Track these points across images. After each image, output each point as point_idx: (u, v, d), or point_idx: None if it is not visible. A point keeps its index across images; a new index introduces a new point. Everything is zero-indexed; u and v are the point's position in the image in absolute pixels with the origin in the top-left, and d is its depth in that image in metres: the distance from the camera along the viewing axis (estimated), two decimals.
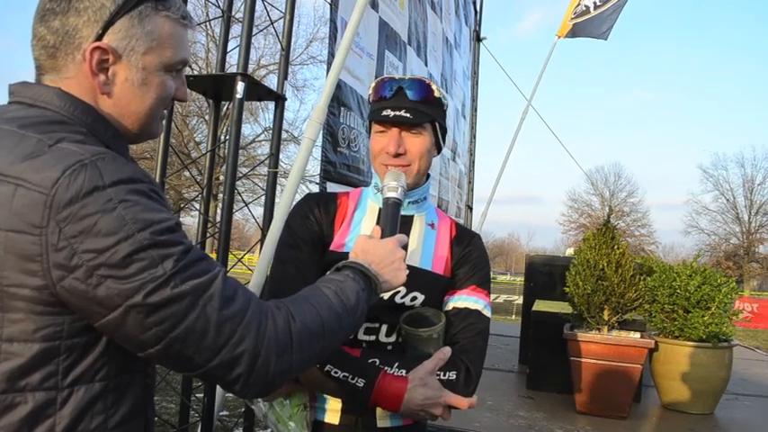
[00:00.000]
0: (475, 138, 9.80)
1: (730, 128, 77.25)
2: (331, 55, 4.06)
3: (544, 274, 6.35)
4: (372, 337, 1.60)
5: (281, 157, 4.14)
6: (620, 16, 8.93)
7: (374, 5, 4.89)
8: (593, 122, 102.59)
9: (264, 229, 3.71)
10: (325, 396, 1.60)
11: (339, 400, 1.59)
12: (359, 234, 1.62)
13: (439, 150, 1.71)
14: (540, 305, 5.75)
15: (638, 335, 4.76)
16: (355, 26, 3.56)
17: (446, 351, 1.54)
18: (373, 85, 1.66)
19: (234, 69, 3.71)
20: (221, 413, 5.18)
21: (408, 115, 1.56)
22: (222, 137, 7.19)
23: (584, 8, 8.70)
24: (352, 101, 4.51)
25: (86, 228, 0.91)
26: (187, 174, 17.74)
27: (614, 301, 4.65)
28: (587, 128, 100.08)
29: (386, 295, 1.56)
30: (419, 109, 1.58)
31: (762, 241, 40.02)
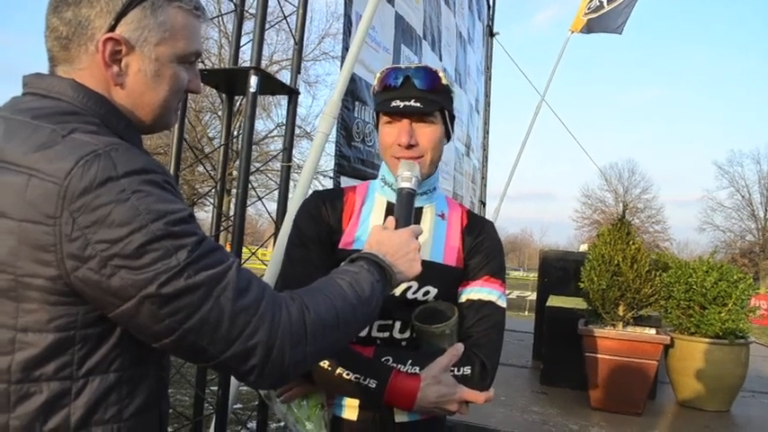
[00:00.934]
0: (488, 133, 9.75)
1: (746, 124, 76.49)
2: (345, 49, 4.04)
3: (558, 270, 6.31)
4: (386, 334, 1.58)
5: (293, 153, 4.14)
6: (635, 11, 8.85)
7: (390, 0, 4.88)
8: (607, 119, 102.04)
9: (278, 223, 3.71)
10: None
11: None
12: (368, 229, 1.60)
13: (449, 138, 1.68)
14: (554, 301, 5.72)
15: (653, 331, 4.72)
16: (369, 19, 3.54)
17: (459, 347, 1.52)
18: (378, 75, 1.63)
19: (247, 65, 3.71)
20: (235, 406, 5.20)
21: (418, 105, 1.54)
22: (235, 132, 7.21)
23: (597, 3, 8.63)
24: (366, 95, 4.49)
25: (100, 218, 0.91)
26: (201, 169, 17.83)
27: (629, 297, 4.62)
28: (601, 124, 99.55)
29: (398, 291, 1.55)
30: (428, 97, 1.55)
31: None
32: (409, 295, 1.57)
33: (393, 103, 1.55)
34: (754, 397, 5.40)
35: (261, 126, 22.06)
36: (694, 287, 4.91)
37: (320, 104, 22.48)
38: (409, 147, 1.56)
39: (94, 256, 0.91)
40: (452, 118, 1.67)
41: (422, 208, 1.65)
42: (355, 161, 4.38)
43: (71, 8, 1.04)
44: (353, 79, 4.09)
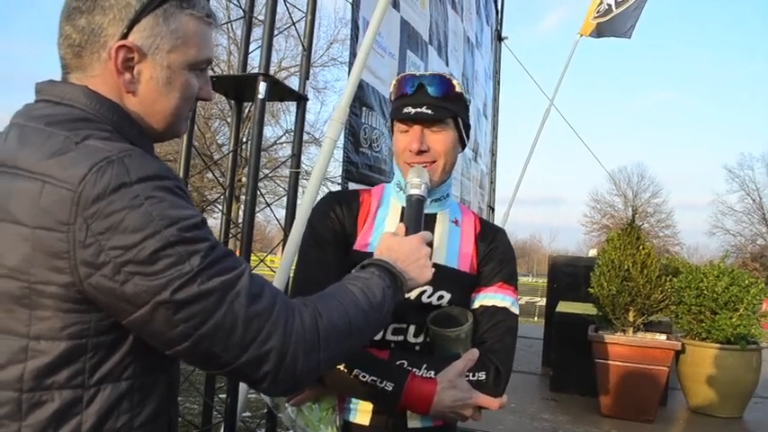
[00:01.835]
0: (497, 138, 9.75)
1: (757, 127, 76.09)
2: (352, 55, 4.05)
3: (567, 275, 6.30)
4: (400, 338, 1.58)
5: (302, 159, 4.14)
6: (644, 15, 8.84)
7: (396, 5, 4.88)
8: (616, 123, 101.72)
9: (286, 229, 3.71)
10: None
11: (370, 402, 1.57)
12: (383, 232, 1.61)
13: (463, 146, 1.69)
14: (564, 306, 5.70)
15: (664, 336, 4.70)
16: (377, 25, 3.55)
17: (474, 352, 1.52)
18: (394, 82, 1.64)
19: (255, 71, 3.72)
20: (244, 414, 5.19)
21: (429, 111, 1.54)
22: (244, 138, 7.22)
23: (606, 6, 8.62)
24: (373, 101, 4.50)
25: (113, 224, 0.91)
26: (210, 175, 17.88)
27: (640, 303, 4.60)
28: (610, 128, 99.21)
29: (412, 295, 1.55)
30: (440, 105, 1.56)
31: None
32: (424, 299, 1.57)
33: (405, 110, 1.56)
34: (767, 403, 5.36)
35: (270, 132, 22.14)
36: (705, 292, 4.89)
37: (329, 110, 22.51)
38: (420, 153, 1.56)
39: (108, 262, 0.91)
40: (467, 126, 1.67)
41: (435, 214, 1.66)
42: (363, 167, 4.38)
43: (84, 16, 1.05)
44: (361, 86, 4.10)
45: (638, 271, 4.61)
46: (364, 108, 4.36)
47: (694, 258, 40.60)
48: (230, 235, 4.36)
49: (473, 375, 1.51)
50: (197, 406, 5.64)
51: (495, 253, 1.66)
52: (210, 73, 1.25)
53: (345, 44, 19.71)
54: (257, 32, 4.64)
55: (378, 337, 1.56)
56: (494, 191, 9.66)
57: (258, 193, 3.73)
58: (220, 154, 19.00)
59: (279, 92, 3.92)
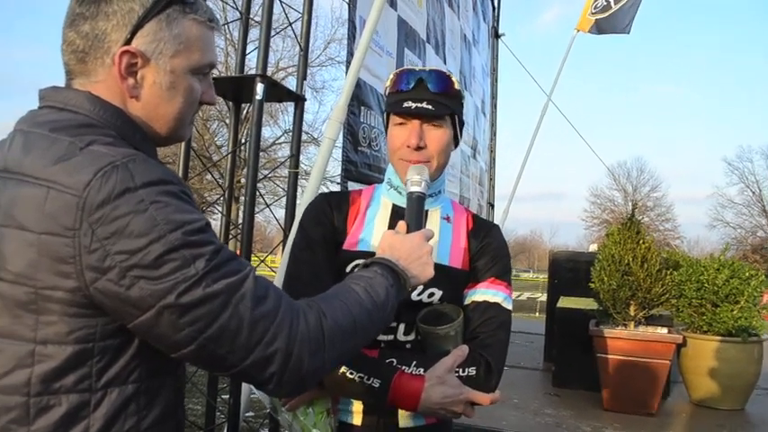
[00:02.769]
0: (495, 135, 9.75)
1: (755, 119, 76.05)
2: (350, 54, 4.05)
3: (568, 271, 6.30)
4: (390, 337, 1.57)
5: (301, 158, 4.15)
6: (641, 7, 8.84)
7: (393, 4, 4.89)
8: (615, 117, 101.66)
9: (286, 230, 3.72)
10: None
11: (361, 402, 1.57)
12: (372, 231, 1.61)
13: (456, 144, 1.68)
14: (565, 302, 5.70)
15: (665, 330, 4.71)
16: (374, 24, 3.55)
17: (464, 349, 1.51)
18: (392, 76, 1.63)
19: (253, 72, 3.73)
20: (247, 414, 5.19)
21: (430, 107, 1.53)
22: (243, 139, 7.21)
23: (604, 2, 8.62)
24: (372, 100, 4.51)
25: (119, 229, 0.91)
26: (209, 177, 17.88)
27: (640, 297, 4.61)
28: (609, 122, 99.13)
29: None
30: (440, 101, 1.55)
31: None
32: (414, 297, 1.55)
33: (405, 104, 1.54)
34: None
35: (268, 133, 22.10)
36: (706, 285, 4.89)
37: (327, 110, 22.45)
38: (418, 149, 1.55)
39: (114, 267, 0.92)
40: (462, 124, 1.67)
41: (427, 211, 1.64)
42: (362, 166, 4.39)
43: (88, 22, 1.06)
44: (359, 84, 4.11)
45: (639, 265, 4.62)
46: (363, 107, 4.37)
47: (695, 251, 40.55)
48: (230, 236, 4.36)
49: (463, 371, 1.49)
50: (200, 407, 5.65)
51: (488, 249, 1.65)
52: None
53: (343, 44, 19.70)
54: (254, 33, 4.64)
55: (373, 340, 1.56)
56: (493, 188, 9.66)
57: (257, 193, 3.74)
58: (219, 155, 19.00)
59: (276, 93, 3.92)
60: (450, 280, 1.59)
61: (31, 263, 0.94)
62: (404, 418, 1.56)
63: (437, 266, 1.52)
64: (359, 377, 1.45)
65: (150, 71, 1.09)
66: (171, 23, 1.09)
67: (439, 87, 1.56)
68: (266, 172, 15.25)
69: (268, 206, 5.39)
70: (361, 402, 1.57)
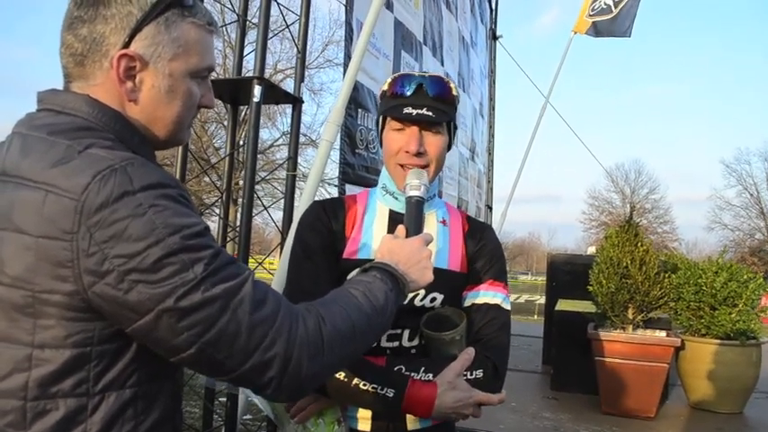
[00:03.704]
0: (493, 137, 9.76)
1: (753, 121, 76.11)
2: (347, 57, 4.05)
3: (566, 273, 6.30)
4: (395, 344, 1.58)
5: (299, 160, 4.16)
6: (640, 8, 8.86)
7: (389, 6, 4.89)
8: (613, 119, 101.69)
9: (284, 232, 3.71)
10: None
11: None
12: (371, 238, 1.61)
13: (449, 149, 1.69)
14: (563, 305, 5.70)
15: (663, 333, 4.71)
16: (371, 27, 3.55)
17: (470, 352, 1.53)
18: (389, 80, 1.63)
19: (250, 74, 3.73)
20: (245, 417, 5.19)
21: (431, 114, 1.54)
22: (240, 141, 7.21)
23: (603, 6, 8.64)
24: (369, 102, 4.51)
25: (117, 233, 0.91)
26: (207, 179, 17.88)
27: (639, 300, 4.61)
28: (606, 124, 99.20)
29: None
30: (439, 107, 1.56)
31: None
32: (417, 303, 1.56)
33: (406, 110, 1.55)
34: None
35: (266, 135, 22.08)
36: (704, 288, 4.90)
37: (325, 112, 22.46)
38: (418, 154, 1.56)
39: (112, 270, 0.91)
40: (455, 128, 1.68)
41: (424, 215, 1.65)
42: (359, 168, 4.39)
43: (86, 25, 1.05)
44: (356, 87, 4.10)
45: (637, 268, 4.62)
46: (360, 110, 4.37)
47: (693, 253, 40.60)
48: (228, 238, 4.35)
49: (471, 374, 1.51)
50: (198, 410, 5.64)
51: (485, 250, 1.66)
52: None
53: (340, 45, 19.60)
54: (252, 35, 4.64)
55: (372, 345, 1.57)
56: (491, 190, 9.67)
57: (255, 195, 3.74)
58: (217, 157, 18.98)
59: (274, 95, 3.93)
60: (451, 283, 1.61)
61: (28, 266, 0.93)
62: (412, 422, 1.57)
63: (437, 270, 1.52)
64: (372, 388, 1.46)
65: (149, 75, 1.08)
66: (169, 27, 1.08)
67: (438, 93, 1.56)
68: (264, 174, 15.26)
69: (266, 208, 5.38)
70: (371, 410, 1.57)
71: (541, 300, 16.00)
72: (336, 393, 1.51)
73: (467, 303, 1.62)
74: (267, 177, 18.51)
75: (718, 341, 4.81)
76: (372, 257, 1.52)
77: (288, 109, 4.07)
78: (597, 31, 8.73)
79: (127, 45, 1.05)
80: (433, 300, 1.57)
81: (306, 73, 4.11)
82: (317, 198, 3.61)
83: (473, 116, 8.10)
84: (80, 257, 0.91)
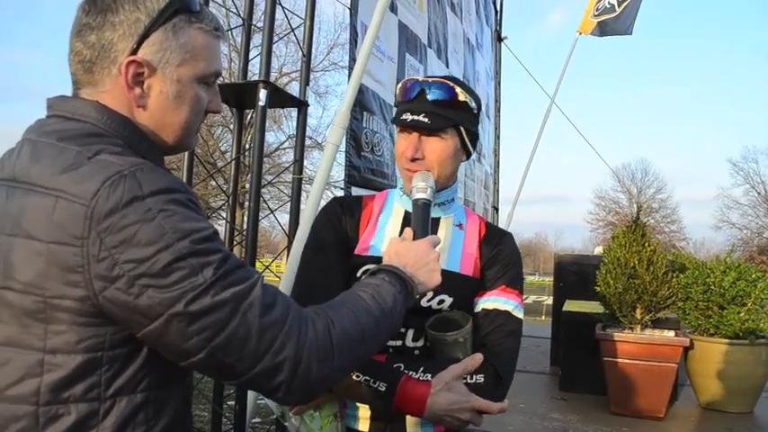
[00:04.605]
0: (499, 138, 9.75)
1: (760, 119, 75.71)
2: (352, 60, 4.06)
3: (574, 274, 6.29)
4: (399, 343, 1.56)
5: (305, 163, 4.17)
6: (643, 8, 8.86)
7: (393, 8, 4.89)
8: (618, 119, 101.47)
9: (291, 235, 3.72)
10: (356, 403, 1.58)
11: (368, 408, 1.56)
12: (384, 236, 1.60)
13: (468, 155, 1.67)
14: (571, 305, 5.69)
15: (672, 333, 4.69)
16: (376, 30, 3.56)
17: (477, 357, 1.50)
18: (399, 86, 1.62)
19: (256, 78, 3.74)
20: (254, 420, 5.19)
21: (426, 120, 1.52)
22: (246, 145, 7.23)
23: (607, 5, 8.63)
24: (374, 105, 4.51)
25: (127, 238, 0.91)
26: (213, 183, 17.92)
27: (647, 300, 4.59)
28: (612, 124, 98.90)
29: None
30: (439, 113, 1.53)
31: None
32: (423, 303, 1.55)
33: (403, 116, 1.54)
34: None
35: (272, 138, 22.10)
36: (712, 287, 4.88)
37: (331, 115, 22.48)
38: (414, 160, 1.55)
39: (122, 275, 0.92)
40: (472, 134, 1.63)
41: (439, 218, 1.64)
42: (365, 171, 4.39)
43: (94, 32, 1.06)
44: (361, 90, 4.11)
45: (645, 268, 4.60)
46: (365, 112, 4.37)
47: (701, 253, 40.32)
48: (235, 242, 4.36)
49: (471, 378, 1.48)
50: (206, 413, 5.65)
51: (500, 256, 1.63)
52: None
53: (345, 48, 19.63)
54: (257, 39, 4.66)
55: (381, 347, 1.56)
56: (497, 191, 9.66)
57: (261, 199, 3.74)
58: (223, 161, 19.02)
59: (279, 98, 3.93)
60: (461, 287, 1.59)
61: (39, 272, 0.94)
62: (411, 426, 1.55)
63: (448, 273, 1.51)
64: (365, 380, 1.45)
65: (157, 80, 1.09)
66: (177, 33, 1.09)
67: (439, 98, 1.53)
68: (270, 177, 15.29)
69: (272, 212, 5.40)
70: (368, 408, 1.56)
71: (548, 300, 15.97)
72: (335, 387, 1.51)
73: (477, 308, 1.59)
74: (273, 181, 18.53)
75: (727, 340, 4.78)
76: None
77: (294, 112, 4.07)
78: (602, 30, 8.72)
79: (135, 51, 1.06)
80: (441, 302, 1.56)
81: (311, 76, 4.11)
82: (323, 201, 3.63)
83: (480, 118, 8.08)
84: (90, 263, 0.92)
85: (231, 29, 12.09)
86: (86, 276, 0.92)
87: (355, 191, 4.16)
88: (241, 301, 0.97)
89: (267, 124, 3.87)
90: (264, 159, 4.01)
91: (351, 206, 1.67)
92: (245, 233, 3.70)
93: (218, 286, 0.95)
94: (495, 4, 9.50)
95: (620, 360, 4.54)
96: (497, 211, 9.53)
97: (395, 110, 1.66)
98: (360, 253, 1.60)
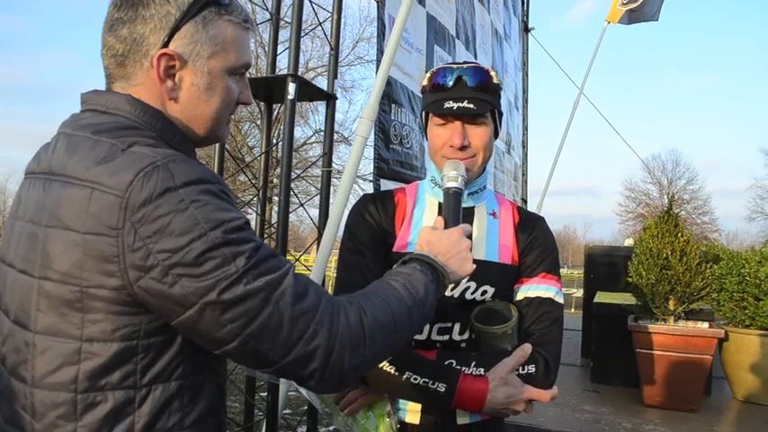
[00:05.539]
0: (527, 130, 9.66)
1: None
2: (380, 52, 4.05)
3: (604, 266, 6.20)
4: (446, 337, 1.57)
5: (332, 158, 4.17)
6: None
7: (421, 1, 4.87)
8: (648, 109, 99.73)
9: (320, 228, 3.74)
10: None
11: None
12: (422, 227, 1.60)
13: (497, 136, 1.67)
14: (602, 297, 5.62)
15: (706, 325, 4.60)
16: (403, 22, 3.55)
17: (526, 348, 1.51)
18: (428, 74, 1.60)
19: (283, 72, 3.75)
20: (285, 411, 5.25)
21: (472, 106, 1.51)
22: (275, 139, 7.28)
23: None
24: (402, 97, 4.50)
25: (160, 228, 0.93)
26: (242, 177, 18.08)
27: (680, 291, 4.51)
28: (642, 115, 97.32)
29: (456, 293, 1.54)
30: (480, 98, 1.53)
31: None
32: (468, 296, 1.55)
33: (446, 105, 1.52)
34: None
35: (299, 133, 22.18)
36: (747, 278, 4.77)
37: (356, 109, 22.49)
38: (462, 148, 1.54)
39: (156, 265, 0.93)
40: (500, 115, 1.65)
41: (473, 208, 1.64)
42: (394, 164, 4.39)
43: (126, 26, 1.08)
44: (389, 82, 4.10)
45: (678, 259, 4.52)
46: (393, 105, 4.37)
47: (734, 244, 39.57)
48: (265, 235, 4.40)
49: (523, 369, 1.50)
50: (238, 404, 5.73)
51: (537, 242, 1.63)
52: None
53: (371, 42, 19.69)
54: (284, 34, 4.68)
55: (423, 337, 1.56)
56: (526, 183, 9.58)
57: (291, 193, 3.77)
58: (252, 156, 19.16)
59: (308, 92, 3.95)
60: (501, 276, 1.59)
61: (76, 262, 0.96)
62: (462, 416, 1.56)
63: (488, 264, 1.51)
64: (423, 382, 1.46)
65: (188, 73, 1.10)
66: (207, 25, 1.10)
67: (478, 83, 1.53)
68: (299, 171, 15.37)
69: (302, 205, 5.44)
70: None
71: (578, 293, 15.79)
72: (388, 387, 1.51)
73: (519, 297, 1.60)
74: (302, 175, 18.63)
75: (763, 332, 4.68)
76: None
77: (320, 106, 4.09)
78: (630, 18, 8.58)
79: (166, 44, 1.08)
80: (484, 293, 1.56)
81: (338, 70, 4.12)
82: (351, 195, 3.63)
83: (508, 109, 8.03)
84: (125, 253, 0.94)
85: (258, 24, 12.15)
86: (122, 266, 0.94)
87: (384, 183, 4.16)
88: (273, 289, 0.98)
89: (294, 119, 3.89)
90: (292, 154, 4.03)
91: (383, 202, 1.67)
92: (274, 226, 3.73)
93: (251, 275, 0.96)
94: None
95: (653, 352, 4.48)
96: (526, 203, 9.45)
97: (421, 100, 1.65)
98: (399, 250, 1.60)
